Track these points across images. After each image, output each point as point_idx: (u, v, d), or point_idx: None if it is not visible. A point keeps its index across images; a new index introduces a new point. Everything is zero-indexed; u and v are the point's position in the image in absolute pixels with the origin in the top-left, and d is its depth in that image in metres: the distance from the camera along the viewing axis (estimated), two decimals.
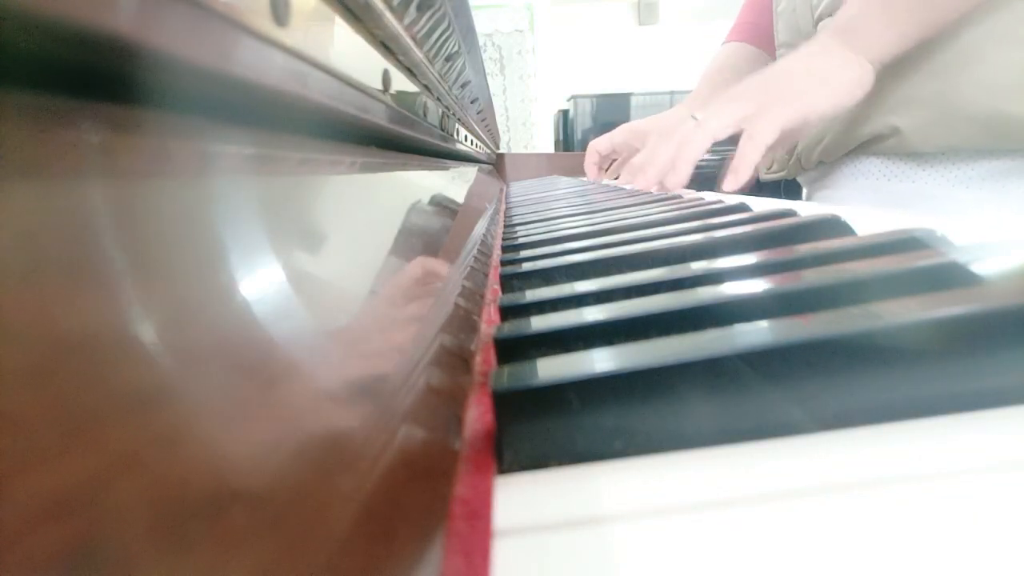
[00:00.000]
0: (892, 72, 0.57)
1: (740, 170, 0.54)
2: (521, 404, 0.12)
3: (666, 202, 0.48)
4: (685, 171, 0.57)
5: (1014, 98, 0.53)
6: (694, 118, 0.60)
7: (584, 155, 1.05)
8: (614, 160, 1.00)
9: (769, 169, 0.80)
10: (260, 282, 0.10)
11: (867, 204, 0.61)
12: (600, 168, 1.00)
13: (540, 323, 0.18)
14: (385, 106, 0.26)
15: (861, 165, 0.65)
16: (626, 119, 1.01)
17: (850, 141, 0.64)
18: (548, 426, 0.12)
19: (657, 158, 0.60)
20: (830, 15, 0.66)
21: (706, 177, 0.63)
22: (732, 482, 0.10)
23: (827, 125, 0.64)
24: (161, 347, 0.07)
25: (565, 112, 3.02)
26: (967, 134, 0.56)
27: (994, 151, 0.57)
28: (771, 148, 0.56)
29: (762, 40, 0.87)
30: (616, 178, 0.97)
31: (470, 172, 0.67)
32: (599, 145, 1.00)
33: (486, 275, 0.29)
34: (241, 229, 0.10)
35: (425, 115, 0.38)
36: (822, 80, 0.55)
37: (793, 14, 0.73)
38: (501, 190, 1.06)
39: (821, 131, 0.67)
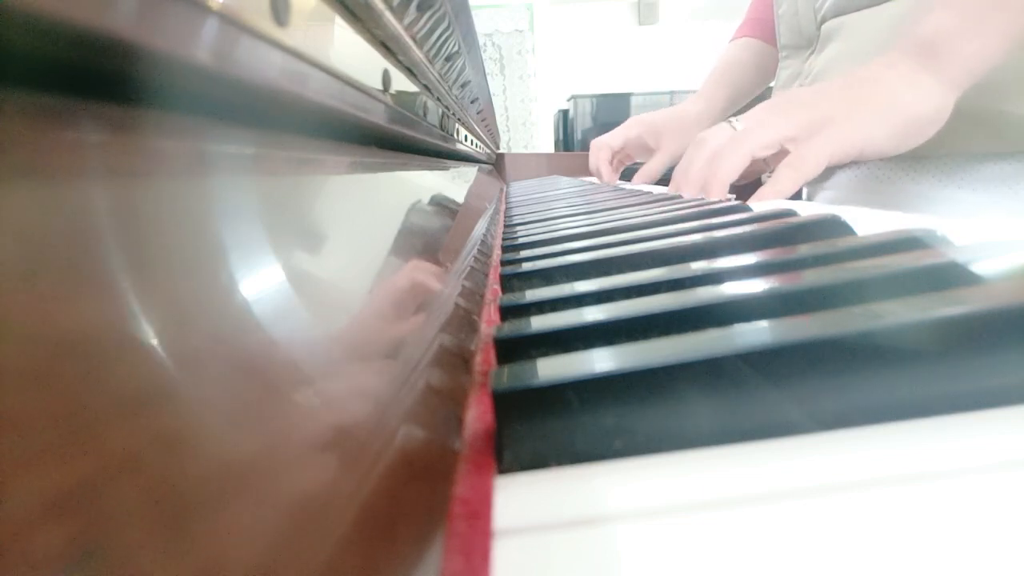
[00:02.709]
0: (965, 90, 0.49)
1: (768, 198, 0.46)
2: (521, 404, 0.12)
3: (666, 202, 0.48)
4: (718, 194, 0.49)
5: (1019, 100, 0.52)
6: (732, 126, 0.52)
7: (586, 155, 1.01)
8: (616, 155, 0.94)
9: (771, 173, 0.79)
10: (260, 282, 0.10)
11: (868, 206, 0.60)
12: (611, 166, 0.92)
13: (540, 323, 0.18)
14: (385, 106, 0.26)
15: (863, 168, 0.64)
16: (626, 119, 0.97)
17: None
18: (548, 426, 0.12)
19: (690, 173, 0.52)
20: (834, 16, 0.65)
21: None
22: (732, 482, 0.10)
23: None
24: (161, 347, 0.07)
25: (565, 112, 3.02)
26: (973, 137, 0.55)
27: (997, 154, 0.55)
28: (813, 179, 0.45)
29: (769, 35, 0.83)
30: (622, 178, 0.94)
31: (470, 172, 0.67)
32: (612, 141, 0.90)
33: (486, 275, 0.29)
34: (241, 229, 0.10)
35: (425, 115, 0.38)
36: (890, 108, 0.45)
37: (795, 17, 0.72)
38: (501, 190, 1.06)
39: None
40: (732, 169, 0.49)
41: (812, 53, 0.69)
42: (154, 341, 0.07)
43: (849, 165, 0.65)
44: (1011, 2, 0.44)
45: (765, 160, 0.50)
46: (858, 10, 0.62)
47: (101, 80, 0.08)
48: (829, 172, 0.69)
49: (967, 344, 0.12)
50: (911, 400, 0.12)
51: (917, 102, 0.45)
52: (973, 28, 0.44)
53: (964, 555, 0.08)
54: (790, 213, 0.29)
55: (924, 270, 0.16)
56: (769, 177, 0.78)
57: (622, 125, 0.92)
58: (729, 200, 0.44)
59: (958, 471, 0.10)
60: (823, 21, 0.67)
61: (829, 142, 0.46)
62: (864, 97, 0.46)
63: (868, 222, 0.25)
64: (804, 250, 0.21)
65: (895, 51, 0.48)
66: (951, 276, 0.16)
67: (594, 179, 0.98)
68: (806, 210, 0.29)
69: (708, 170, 0.50)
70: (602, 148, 0.92)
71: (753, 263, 0.21)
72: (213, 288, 0.09)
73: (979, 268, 0.16)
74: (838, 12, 0.64)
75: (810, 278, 0.17)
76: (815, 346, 0.12)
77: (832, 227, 0.25)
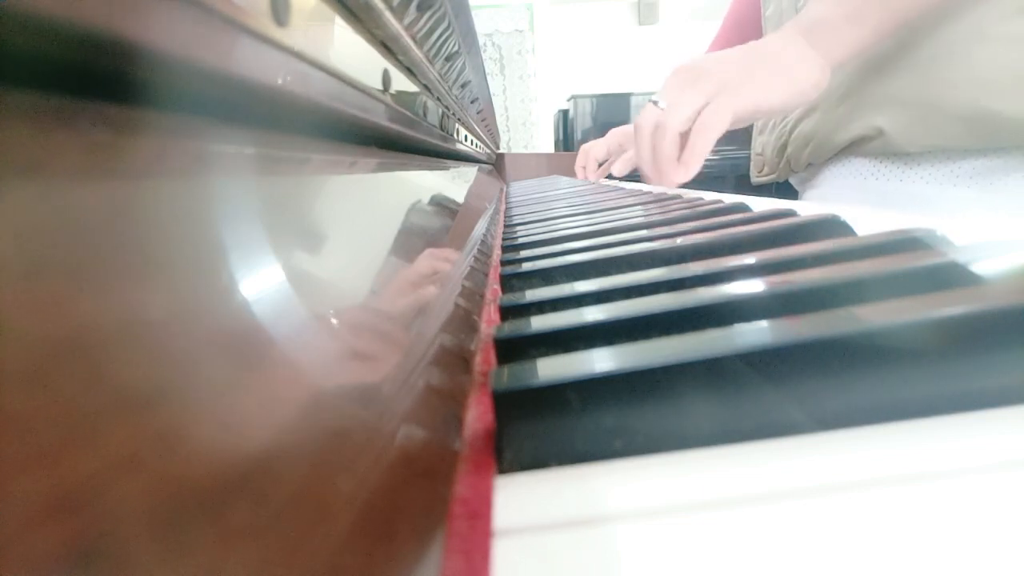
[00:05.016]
0: (874, 73, 0.57)
1: (691, 163, 0.55)
2: (521, 404, 0.12)
3: (666, 202, 0.48)
4: (672, 173, 0.59)
5: (996, 95, 0.53)
6: (655, 104, 0.60)
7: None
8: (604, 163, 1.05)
9: (760, 172, 0.81)
10: (261, 282, 0.10)
11: (856, 203, 0.62)
12: (593, 171, 1.04)
13: (540, 323, 0.18)
14: (385, 106, 0.26)
15: (849, 165, 0.66)
16: (626, 119, 1.05)
17: (836, 143, 0.65)
18: (548, 426, 0.12)
19: (644, 167, 0.63)
20: None
21: (708, 177, 0.63)
22: (732, 482, 0.10)
23: (813, 128, 0.65)
24: (161, 347, 0.07)
25: (565, 112, 3.02)
26: (951, 133, 0.56)
27: (979, 149, 0.57)
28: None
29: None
30: (609, 177, 1.01)
31: (470, 172, 0.67)
32: (596, 152, 1.02)
33: (486, 275, 0.29)
34: (241, 229, 0.10)
35: (425, 115, 0.38)
36: (779, 74, 0.55)
37: (779, 17, 0.74)
38: (501, 190, 1.06)
39: (808, 134, 0.67)
40: (671, 152, 0.58)
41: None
42: (153, 341, 0.07)
43: (835, 161, 0.67)
44: (886, 1, 0.53)
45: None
46: None
47: (101, 80, 0.08)
48: (816, 170, 0.71)
49: (967, 344, 0.12)
50: (911, 400, 0.12)
51: (803, 72, 0.55)
52: (851, 18, 0.54)
53: (964, 555, 0.08)
54: (790, 213, 0.29)
55: (924, 270, 0.16)
56: (761, 175, 0.80)
57: (604, 137, 1.04)
58: (700, 196, 0.50)
59: (958, 471, 0.10)
60: None
61: (730, 103, 0.55)
62: (760, 64, 0.56)
63: (868, 222, 0.25)
64: (804, 250, 0.21)
65: (788, 28, 0.58)
66: (951, 276, 0.16)
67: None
68: (806, 210, 0.29)
69: (656, 160, 0.60)
70: (585, 156, 1.04)
71: (753, 263, 0.21)
72: (213, 288, 0.09)
73: (979, 268, 0.16)
74: None
75: (810, 278, 0.17)
76: (815, 346, 0.12)
77: (832, 227, 0.25)
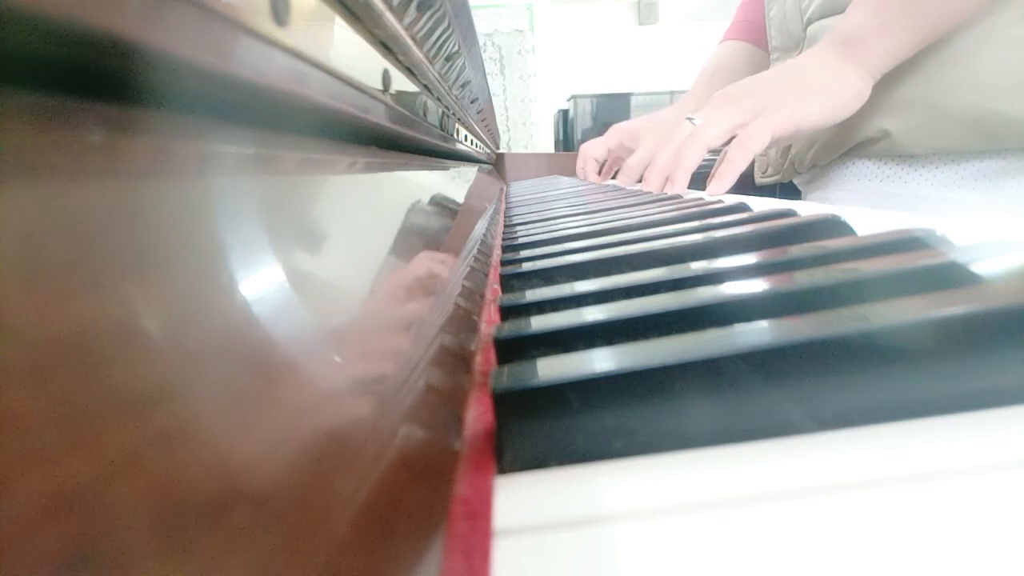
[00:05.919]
0: (881, 76, 0.57)
1: (726, 176, 0.56)
2: (521, 404, 0.12)
3: (666, 202, 0.48)
4: (682, 182, 0.60)
5: (1002, 98, 0.54)
6: (691, 121, 0.61)
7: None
8: (605, 163, 1.00)
9: (764, 173, 0.81)
10: (260, 282, 0.10)
11: (860, 205, 0.62)
12: (592, 172, 1.00)
13: (540, 323, 0.18)
14: (385, 106, 0.26)
15: (854, 167, 0.66)
16: (626, 119, 1.00)
17: (842, 144, 0.65)
18: (548, 426, 0.12)
19: (656, 164, 0.63)
20: (819, 19, 0.67)
21: (705, 176, 0.63)
22: (732, 482, 0.10)
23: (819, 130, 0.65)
24: (161, 347, 0.07)
25: (565, 112, 3.02)
26: (957, 135, 0.57)
27: (984, 151, 0.57)
28: (761, 153, 0.58)
29: (759, 38, 0.87)
30: (613, 178, 0.98)
31: (470, 172, 0.67)
32: (595, 151, 0.99)
33: (486, 275, 0.29)
34: (241, 229, 0.10)
35: (425, 115, 0.38)
36: (818, 91, 0.56)
37: (784, 19, 0.75)
38: (501, 190, 1.06)
39: (814, 135, 0.67)
40: (692, 160, 0.59)
41: (800, 54, 0.71)
42: (153, 342, 0.07)
43: (839, 162, 0.67)
44: (917, 10, 0.53)
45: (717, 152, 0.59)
46: (841, 13, 0.63)
47: (101, 80, 0.08)
48: (820, 171, 0.71)
49: (967, 344, 0.12)
50: (911, 400, 0.12)
51: (840, 86, 0.56)
52: (884, 29, 0.55)
53: (964, 555, 0.08)
54: (790, 213, 0.29)
55: (924, 270, 0.16)
56: (765, 175, 0.80)
57: (603, 136, 0.99)
58: (700, 196, 0.51)
59: (958, 471, 0.10)
60: (809, 23, 0.70)
61: (769, 122, 0.56)
62: (796, 82, 0.57)
63: (868, 222, 0.25)
64: (804, 250, 0.21)
65: (822, 44, 0.58)
66: (951, 276, 0.16)
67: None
68: (806, 210, 0.29)
69: (672, 163, 0.60)
70: (585, 158, 1.00)
71: (753, 263, 0.21)
72: (213, 289, 0.09)
73: (979, 268, 0.16)
74: (824, 15, 0.67)
75: (810, 278, 0.17)
76: (815, 346, 0.12)
77: (832, 227, 0.25)
